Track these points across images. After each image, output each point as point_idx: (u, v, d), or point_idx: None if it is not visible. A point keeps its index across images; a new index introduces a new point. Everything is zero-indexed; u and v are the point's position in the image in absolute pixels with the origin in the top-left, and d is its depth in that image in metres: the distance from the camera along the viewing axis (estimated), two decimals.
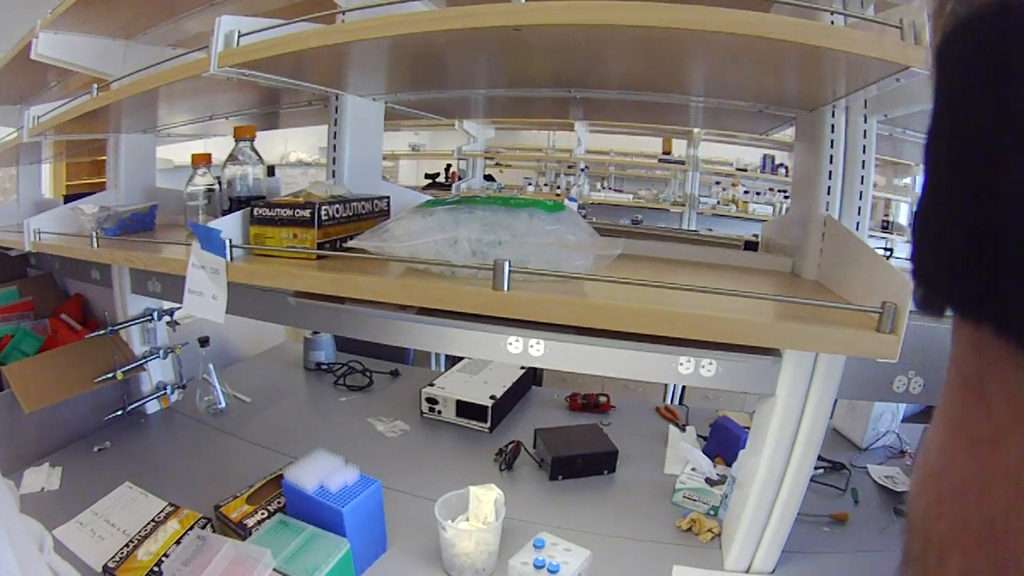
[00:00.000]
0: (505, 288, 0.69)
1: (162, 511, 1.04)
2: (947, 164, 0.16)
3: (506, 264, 0.68)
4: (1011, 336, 0.14)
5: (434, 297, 0.72)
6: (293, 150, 4.79)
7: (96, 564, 0.92)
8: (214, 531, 0.98)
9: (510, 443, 1.28)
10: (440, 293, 0.71)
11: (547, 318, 0.69)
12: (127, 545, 0.95)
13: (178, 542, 0.95)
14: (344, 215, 0.87)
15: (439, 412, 1.44)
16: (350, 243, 0.78)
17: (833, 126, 0.89)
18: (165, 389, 1.41)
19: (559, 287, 0.72)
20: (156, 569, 0.89)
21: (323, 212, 0.82)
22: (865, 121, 0.90)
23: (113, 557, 0.92)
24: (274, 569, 0.83)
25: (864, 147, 0.90)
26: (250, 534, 0.92)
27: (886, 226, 3.18)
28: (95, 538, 1.02)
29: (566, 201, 0.94)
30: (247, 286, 0.86)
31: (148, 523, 1.00)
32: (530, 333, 0.82)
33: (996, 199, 0.14)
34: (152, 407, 1.43)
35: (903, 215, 3.17)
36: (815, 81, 0.82)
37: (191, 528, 0.98)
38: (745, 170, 3.82)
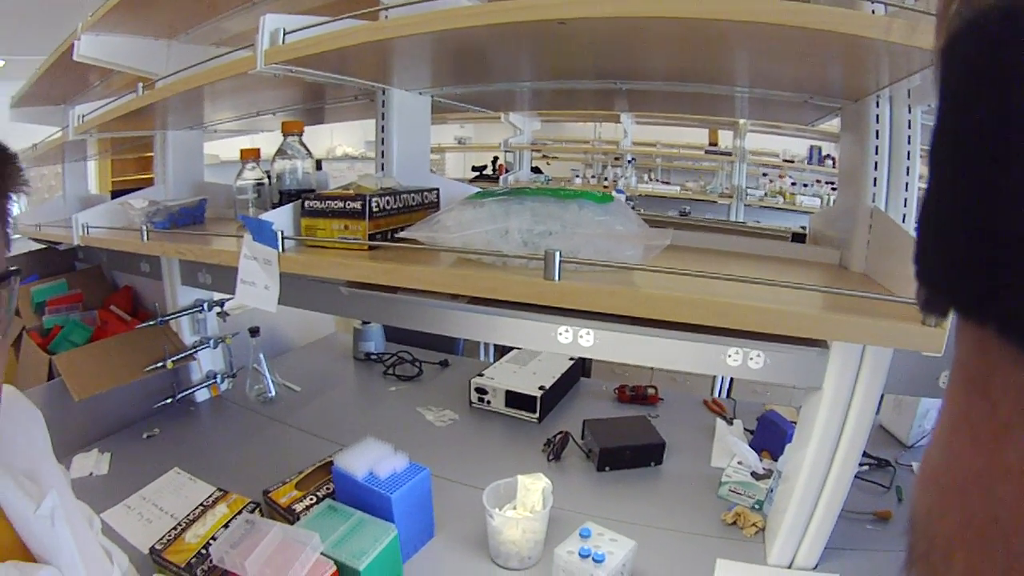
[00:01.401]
0: (556, 278, 0.69)
1: (211, 496, 1.05)
2: (951, 165, 0.16)
3: (557, 254, 0.69)
4: (1014, 336, 0.15)
5: (486, 286, 0.73)
6: (339, 144, 4.84)
7: (143, 546, 0.95)
8: (263, 515, 1.00)
9: (558, 433, 1.29)
10: (492, 282, 0.72)
11: (598, 308, 0.69)
12: (175, 528, 0.96)
13: (226, 526, 0.96)
14: (394, 207, 0.88)
15: (488, 402, 1.45)
16: (402, 234, 0.79)
17: (878, 116, 0.88)
18: (215, 378, 1.44)
19: (609, 277, 0.73)
20: (204, 551, 0.90)
21: (374, 204, 0.84)
22: (909, 111, 0.88)
23: (160, 539, 0.93)
24: (322, 553, 0.84)
25: (909, 138, 0.89)
26: (298, 519, 0.94)
27: None
28: (143, 521, 1.04)
29: (614, 193, 0.94)
30: (299, 277, 0.88)
31: (196, 507, 1.02)
32: (580, 323, 0.83)
33: (999, 200, 0.14)
34: (202, 395, 1.46)
35: None
36: (857, 71, 0.81)
37: (239, 512, 0.99)
38: (792, 161, 3.75)
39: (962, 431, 0.17)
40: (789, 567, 0.96)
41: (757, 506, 1.08)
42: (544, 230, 0.74)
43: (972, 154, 0.15)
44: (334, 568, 0.83)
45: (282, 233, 0.87)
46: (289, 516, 0.97)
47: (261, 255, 0.90)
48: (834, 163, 3.53)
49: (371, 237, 0.84)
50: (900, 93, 0.85)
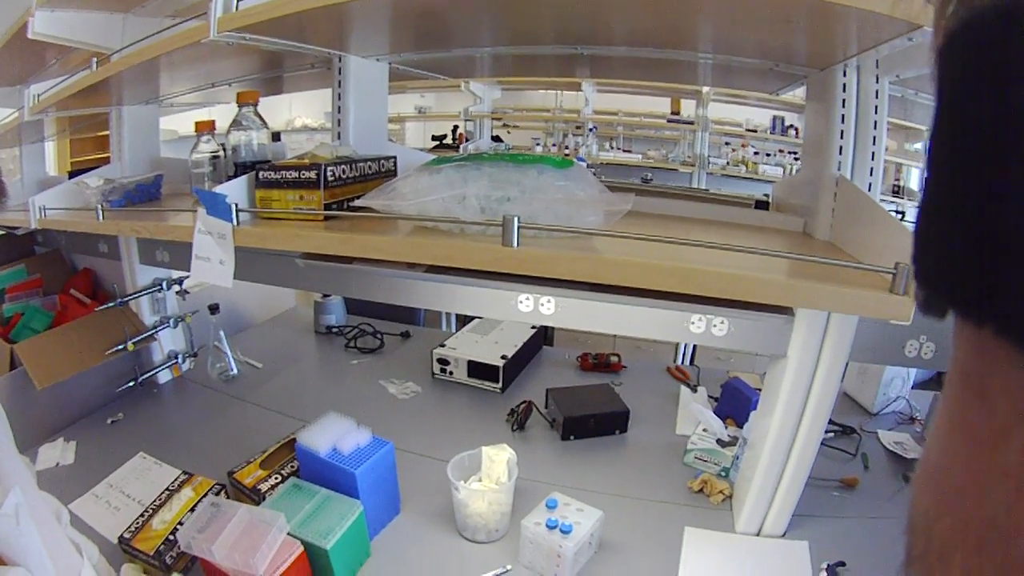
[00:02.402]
0: (514, 244, 0.68)
1: (176, 480, 1.04)
2: (948, 165, 0.16)
3: (515, 220, 0.67)
4: (1012, 337, 0.15)
5: (443, 254, 0.71)
6: (299, 116, 4.72)
7: (112, 535, 0.93)
8: (228, 497, 0.99)
9: (522, 403, 1.28)
10: (449, 250, 0.71)
11: (557, 274, 0.68)
12: (142, 515, 0.95)
13: (192, 509, 0.95)
14: (351, 176, 0.86)
15: (450, 373, 1.45)
16: (357, 202, 0.77)
17: (844, 86, 0.87)
18: (176, 358, 1.41)
19: (569, 243, 0.72)
20: (171, 537, 0.89)
21: (329, 173, 0.81)
22: (877, 81, 0.88)
23: (128, 528, 0.92)
24: (288, 533, 0.84)
25: (876, 108, 0.89)
26: (264, 499, 0.93)
27: (897, 191, 3.17)
28: (111, 509, 1.03)
29: (575, 160, 0.93)
30: (255, 250, 0.86)
31: (162, 492, 1.01)
32: (541, 290, 0.82)
33: (997, 200, 0.14)
34: (164, 377, 1.44)
35: (914, 180, 3.18)
36: (825, 38, 0.80)
37: (205, 495, 0.98)
38: (755, 131, 3.76)
39: (960, 432, 0.17)
40: (757, 534, 0.97)
41: (723, 473, 1.08)
42: (502, 196, 0.72)
43: (970, 154, 0.15)
44: (301, 548, 0.82)
45: (236, 206, 0.84)
46: (255, 496, 0.95)
47: (215, 229, 0.87)
48: (797, 133, 3.58)
49: (327, 207, 0.81)
50: (868, 63, 0.85)
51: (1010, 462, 0.15)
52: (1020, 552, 0.15)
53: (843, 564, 0.90)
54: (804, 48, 0.90)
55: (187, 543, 0.82)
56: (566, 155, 3.53)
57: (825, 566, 0.89)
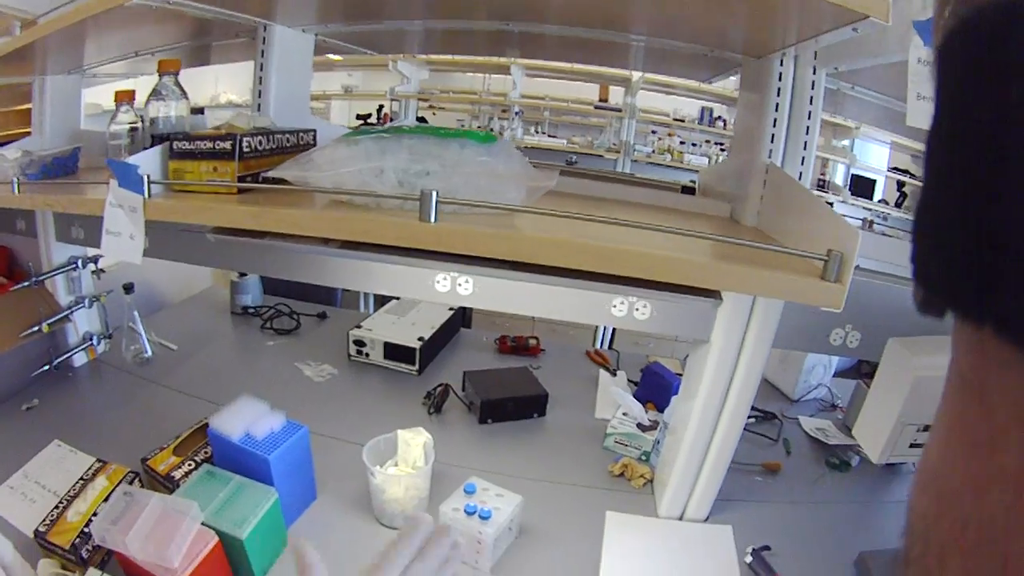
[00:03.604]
0: (432, 219, 0.66)
1: (91, 468, 0.99)
2: (947, 164, 0.16)
3: (433, 194, 0.65)
4: (1011, 338, 0.14)
5: (358, 229, 0.69)
6: (224, 91, 4.55)
7: (28, 529, 0.88)
8: (142, 485, 0.95)
9: (439, 386, 1.27)
10: (364, 225, 0.69)
11: (476, 251, 0.66)
12: (57, 507, 0.90)
13: (107, 499, 0.90)
14: (267, 147, 0.83)
15: (367, 355, 1.42)
16: (269, 173, 0.74)
17: (781, 75, 0.88)
18: (91, 340, 1.35)
19: (490, 220, 0.70)
20: (87, 530, 0.85)
21: (245, 144, 0.78)
22: (814, 73, 0.88)
23: (43, 520, 0.87)
24: (202, 523, 0.80)
25: (811, 99, 0.89)
26: (178, 486, 0.89)
27: (822, 185, 3.30)
28: (26, 501, 0.97)
29: None
30: (167, 225, 0.82)
31: (77, 482, 0.96)
32: (459, 269, 0.80)
33: (996, 200, 0.14)
34: (79, 360, 1.37)
35: (839, 176, 3.30)
36: (765, 24, 0.80)
37: (119, 484, 0.94)
38: (682, 121, 3.85)
39: (958, 434, 0.17)
40: (680, 518, 0.98)
41: (644, 457, 1.09)
42: (421, 169, 0.70)
43: (969, 153, 0.15)
44: (216, 539, 0.79)
45: (148, 177, 0.80)
46: (168, 484, 0.92)
47: (127, 202, 0.82)
48: (725, 125, 3.67)
49: (241, 179, 0.78)
50: (806, 53, 0.85)
51: (1008, 463, 0.15)
52: (1018, 553, 0.15)
53: (768, 548, 0.91)
54: (742, 34, 0.90)
55: (101, 536, 0.78)
56: None
57: (751, 550, 0.90)
